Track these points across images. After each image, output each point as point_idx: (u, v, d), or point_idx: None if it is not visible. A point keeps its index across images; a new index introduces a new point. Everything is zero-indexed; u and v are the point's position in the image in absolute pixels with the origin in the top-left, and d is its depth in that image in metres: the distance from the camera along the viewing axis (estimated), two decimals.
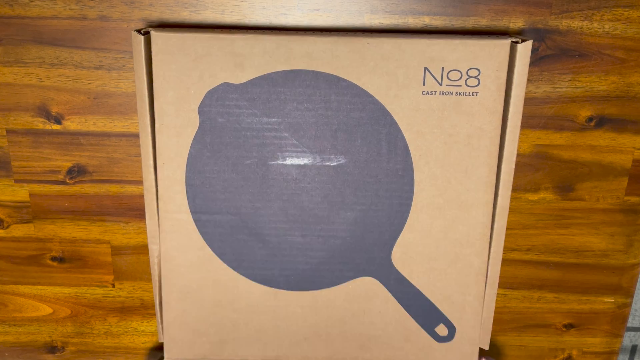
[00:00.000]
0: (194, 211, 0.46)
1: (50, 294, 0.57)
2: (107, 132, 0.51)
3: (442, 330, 0.49)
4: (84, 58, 0.48)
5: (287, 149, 0.45)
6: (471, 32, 0.47)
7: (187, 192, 0.46)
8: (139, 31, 0.43)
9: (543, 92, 0.49)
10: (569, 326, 0.58)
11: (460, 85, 0.43)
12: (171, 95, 0.44)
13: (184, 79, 0.44)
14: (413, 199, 0.46)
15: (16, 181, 0.53)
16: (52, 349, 0.60)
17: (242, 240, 0.47)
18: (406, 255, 0.47)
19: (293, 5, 0.47)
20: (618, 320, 0.58)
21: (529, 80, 0.49)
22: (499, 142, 0.45)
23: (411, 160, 0.45)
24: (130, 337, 0.59)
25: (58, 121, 0.51)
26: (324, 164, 0.46)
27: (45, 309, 0.58)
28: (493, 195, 0.46)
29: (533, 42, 0.47)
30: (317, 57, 0.43)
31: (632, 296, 0.58)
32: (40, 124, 0.51)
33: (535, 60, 0.48)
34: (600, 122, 0.50)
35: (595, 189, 0.52)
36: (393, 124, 0.45)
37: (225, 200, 0.46)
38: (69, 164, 0.52)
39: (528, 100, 0.49)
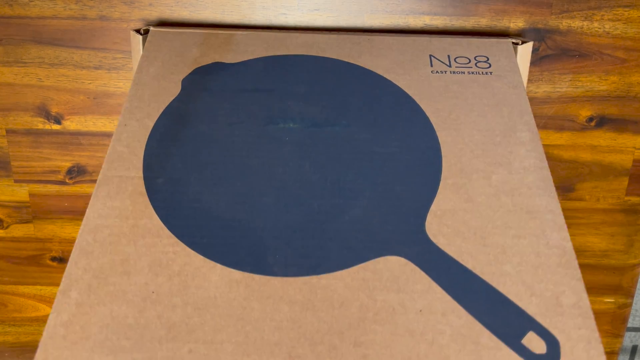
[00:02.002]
0: (147, 176, 0.35)
1: (50, 294, 0.57)
2: (107, 132, 0.51)
3: (534, 343, 0.29)
4: (84, 58, 0.48)
5: (282, 113, 0.38)
6: (471, 33, 0.47)
7: (144, 154, 0.36)
8: (138, 31, 0.43)
9: (543, 92, 0.49)
10: None
11: (471, 67, 0.41)
12: (154, 69, 0.41)
13: (172, 58, 0.41)
14: (442, 163, 0.36)
15: (16, 181, 0.53)
16: None
17: (200, 209, 0.34)
18: (447, 228, 0.33)
19: (293, 5, 0.47)
20: (618, 321, 0.58)
21: (529, 80, 0.49)
22: (531, 112, 0.39)
23: (430, 123, 0.38)
24: None
25: (58, 121, 0.50)
26: (324, 129, 0.38)
27: (45, 309, 0.58)
28: (546, 163, 0.36)
29: (533, 42, 0.47)
30: (318, 46, 0.42)
31: (632, 296, 0.58)
32: (40, 123, 0.51)
33: (536, 60, 0.48)
34: (601, 122, 0.50)
35: (595, 189, 0.52)
36: (404, 95, 0.39)
37: (188, 164, 0.36)
38: (69, 164, 0.52)
39: (528, 100, 0.49)
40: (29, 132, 0.51)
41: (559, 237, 0.33)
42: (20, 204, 0.54)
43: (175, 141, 0.37)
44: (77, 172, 0.52)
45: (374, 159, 0.36)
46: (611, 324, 0.58)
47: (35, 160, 0.52)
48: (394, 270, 0.31)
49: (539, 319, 0.30)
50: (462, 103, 0.39)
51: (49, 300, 0.58)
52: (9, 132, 0.51)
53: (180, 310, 0.29)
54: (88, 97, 0.50)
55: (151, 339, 0.28)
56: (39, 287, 0.57)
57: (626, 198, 0.53)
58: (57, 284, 0.57)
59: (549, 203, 0.34)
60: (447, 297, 0.30)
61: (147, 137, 0.37)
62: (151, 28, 0.43)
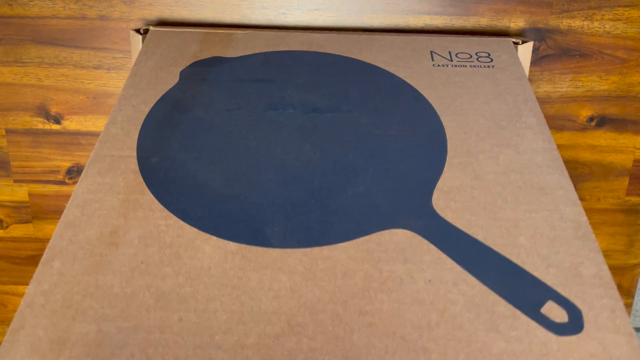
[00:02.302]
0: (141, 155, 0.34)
1: None
2: None
3: (554, 312, 0.26)
4: (84, 58, 0.48)
5: (281, 100, 0.38)
6: (472, 32, 0.47)
7: (139, 136, 0.35)
8: (137, 30, 0.43)
9: (544, 91, 0.49)
10: None
11: (473, 62, 0.41)
12: (152, 62, 0.41)
13: (171, 53, 0.41)
14: (447, 144, 0.35)
15: (15, 181, 0.53)
16: None
17: (195, 185, 0.32)
18: (455, 203, 0.31)
19: (293, 5, 0.47)
20: None
21: (529, 80, 0.49)
22: (536, 100, 0.38)
23: (434, 109, 0.37)
24: None
25: (57, 121, 0.50)
26: (325, 114, 0.37)
27: None
28: (554, 145, 0.35)
29: (534, 41, 0.47)
30: (318, 44, 0.42)
31: (632, 296, 0.58)
32: (40, 123, 0.51)
33: (536, 60, 0.48)
34: (601, 122, 0.50)
35: (595, 189, 0.52)
36: (406, 84, 0.39)
37: (184, 144, 0.35)
38: (68, 164, 0.52)
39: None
40: (29, 132, 0.51)
41: (574, 212, 0.31)
42: (20, 204, 0.54)
43: (171, 125, 0.36)
44: (76, 172, 0.52)
45: (377, 140, 0.35)
46: None
47: (35, 160, 0.52)
48: (400, 242, 0.29)
49: (558, 289, 0.27)
50: (465, 92, 0.38)
51: None
52: (9, 132, 0.51)
53: (171, 280, 0.27)
54: (88, 97, 0.50)
55: (138, 308, 0.26)
56: None
57: (626, 198, 0.53)
58: None
59: (561, 180, 0.33)
60: (458, 268, 0.28)
61: (142, 121, 0.36)
62: (151, 28, 0.43)
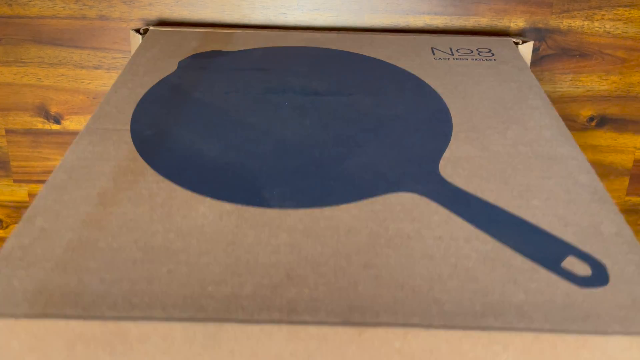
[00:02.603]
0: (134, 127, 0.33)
1: None
2: None
3: (576, 267, 0.24)
4: (83, 58, 0.48)
5: (281, 85, 0.37)
6: (472, 32, 0.47)
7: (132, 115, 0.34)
8: (137, 30, 0.43)
9: (544, 91, 0.49)
10: None
11: (474, 56, 0.41)
12: (151, 54, 0.40)
13: (171, 47, 0.41)
14: (452, 121, 0.34)
15: (15, 181, 0.53)
16: None
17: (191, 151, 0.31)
18: (463, 171, 0.30)
19: (293, 5, 0.47)
20: None
21: None
22: (541, 87, 0.37)
23: (437, 93, 0.36)
24: None
25: (57, 121, 0.50)
26: (327, 97, 0.36)
27: None
28: (563, 123, 0.34)
29: (534, 41, 0.47)
30: (318, 41, 0.42)
31: None
32: (40, 123, 0.51)
33: (536, 59, 0.48)
34: (602, 122, 0.50)
35: None
36: (408, 73, 0.39)
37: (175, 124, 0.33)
38: None
39: None
40: (29, 132, 0.51)
41: (588, 179, 0.29)
42: (20, 204, 0.54)
43: (167, 104, 0.35)
44: None
45: (380, 117, 0.34)
46: None
47: (35, 160, 0.52)
48: (406, 204, 0.28)
49: (578, 246, 0.26)
50: (468, 79, 0.38)
51: None
52: (9, 132, 0.51)
53: (161, 236, 0.25)
54: (87, 97, 0.50)
55: (124, 261, 0.24)
56: None
57: (627, 198, 0.53)
58: None
59: (572, 151, 0.31)
60: (469, 226, 0.27)
61: (137, 101, 0.35)
62: (151, 28, 0.43)
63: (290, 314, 0.22)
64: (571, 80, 0.49)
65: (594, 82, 0.49)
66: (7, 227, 0.55)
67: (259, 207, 0.27)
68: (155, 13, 0.47)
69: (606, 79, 0.48)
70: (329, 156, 0.31)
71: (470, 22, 0.47)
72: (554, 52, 0.48)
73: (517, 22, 0.47)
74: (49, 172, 0.52)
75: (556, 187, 0.29)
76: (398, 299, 0.23)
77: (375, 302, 0.23)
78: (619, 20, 0.47)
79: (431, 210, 0.27)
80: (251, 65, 0.39)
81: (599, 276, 0.24)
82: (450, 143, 0.32)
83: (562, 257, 0.25)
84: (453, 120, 0.34)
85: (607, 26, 0.47)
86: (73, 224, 0.26)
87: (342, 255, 0.25)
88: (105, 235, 0.25)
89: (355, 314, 0.22)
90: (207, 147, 0.31)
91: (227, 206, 0.27)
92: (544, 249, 0.25)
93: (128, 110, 0.34)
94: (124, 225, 0.26)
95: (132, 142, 0.31)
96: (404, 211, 0.27)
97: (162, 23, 0.47)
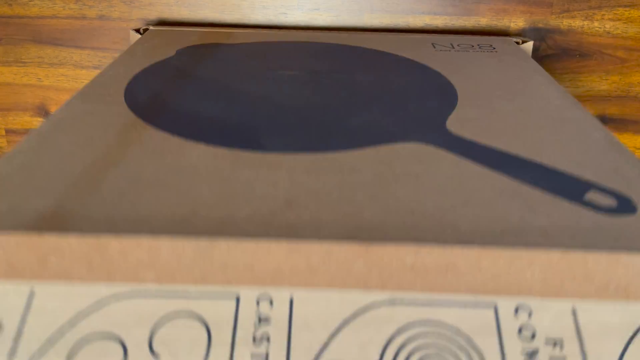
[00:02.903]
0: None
1: None
2: None
3: (600, 200, 0.23)
4: (83, 58, 0.48)
5: (282, 64, 0.37)
6: (472, 32, 0.47)
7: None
8: (137, 30, 0.43)
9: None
10: None
11: (475, 49, 0.41)
12: (149, 44, 0.40)
13: (169, 41, 0.41)
14: (457, 92, 0.33)
15: None
16: None
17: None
18: (472, 128, 0.29)
19: (293, 5, 0.47)
20: None
21: None
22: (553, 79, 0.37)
23: (440, 73, 0.36)
24: None
25: None
26: (328, 74, 0.36)
27: None
28: (570, 95, 0.33)
29: (534, 41, 0.47)
30: (319, 38, 0.43)
31: None
32: (39, 124, 0.51)
33: (536, 59, 0.48)
34: (602, 122, 0.50)
35: None
36: (409, 60, 0.39)
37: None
38: None
39: None
40: (28, 132, 0.51)
41: (603, 134, 0.28)
42: None
43: (163, 76, 0.34)
44: None
45: (383, 88, 0.33)
46: None
47: None
48: (413, 150, 0.27)
49: (600, 181, 0.25)
50: (471, 65, 0.37)
51: None
52: (8, 132, 0.51)
53: (151, 171, 0.24)
54: None
55: (109, 191, 0.23)
56: None
57: None
58: None
59: (583, 115, 0.30)
60: (482, 168, 0.25)
61: (133, 75, 0.34)
62: (150, 27, 0.43)
63: (290, 233, 0.21)
64: (571, 80, 0.49)
65: (593, 82, 0.49)
66: None
67: (257, 152, 0.26)
68: (155, 13, 0.47)
69: (606, 79, 0.48)
70: (332, 115, 0.30)
71: (470, 22, 0.47)
72: (554, 52, 0.48)
73: (517, 22, 0.47)
74: None
75: (570, 140, 0.28)
76: (409, 222, 0.22)
77: (384, 224, 0.21)
78: (619, 20, 0.47)
79: (440, 156, 0.26)
80: (252, 52, 0.39)
81: (625, 206, 0.23)
82: (456, 108, 0.31)
83: (584, 192, 0.24)
84: (459, 92, 0.33)
85: (607, 26, 0.47)
86: (57, 160, 0.25)
87: (346, 188, 0.23)
88: (90, 170, 0.24)
89: (363, 233, 0.21)
90: (204, 107, 0.31)
91: (223, 150, 0.26)
92: (563, 185, 0.24)
93: (123, 81, 0.34)
94: (111, 164, 0.25)
95: (125, 103, 0.31)
96: (411, 156, 0.26)
97: (162, 23, 0.47)
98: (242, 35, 0.43)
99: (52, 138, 0.27)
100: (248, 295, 0.21)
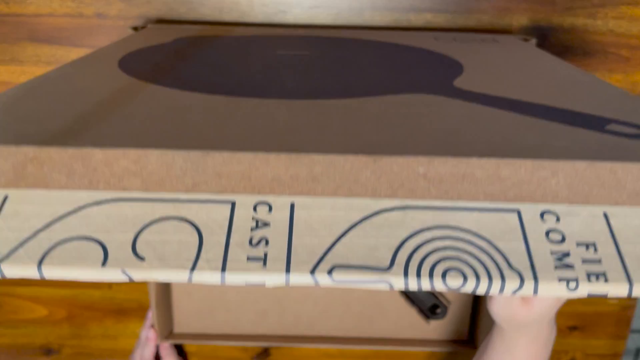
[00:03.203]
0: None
1: (47, 295, 0.57)
2: None
3: (621, 129, 0.24)
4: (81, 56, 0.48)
5: (283, 47, 0.37)
6: (474, 30, 0.47)
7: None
8: (135, 28, 0.42)
9: None
10: (573, 328, 0.57)
11: (478, 41, 0.41)
12: (147, 33, 0.40)
13: (168, 35, 0.40)
14: (464, 67, 0.33)
15: None
16: (48, 351, 0.59)
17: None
18: (480, 86, 0.29)
19: (292, 2, 0.46)
20: (622, 322, 0.57)
21: None
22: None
23: (445, 55, 0.36)
24: (127, 339, 0.59)
25: None
26: (332, 54, 0.35)
27: (41, 311, 0.57)
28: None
29: (537, 39, 0.47)
30: (319, 34, 0.43)
31: (636, 298, 0.57)
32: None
33: None
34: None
35: None
36: (413, 47, 0.38)
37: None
38: None
39: None
40: None
41: (617, 92, 0.28)
42: None
43: (159, 52, 0.34)
44: None
45: (390, 62, 0.33)
46: (615, 326, 0.57)
47: None
48: (421, 99, 0.26)
49: (620, 118, 0.24)
50: (475, 50, 0.37)
51: (45, 302, 0.57)
52: None
53: (142, 111, 0.23)
54: None
55: (97, 119, 0.22)
56: (35, 288, 0.56)
57: None
58: (54, 286, 0.56)
59: (596, 80, 0.30)
60: (496, 110, 0.25)
61: (128, 52, 0.34)
62: (148, 26, 0.42)
63: (291, 148, 0.20)
64: None
65: None
66: None
67: (256, 98, 0.26)
68: (153, 11, 0.46)
69: (609, 78, 0.48)
70: (333, 74, 0.30)
71: (472, 19, 0.47)
72: (557, 50, 0.47)
73: (519, 20, 0.46)
74: None
75: (583, 96, 0.27)
76: (421, 142, 0.21)
77: (393, 142, 0.21)
78: (622, 18, 0.46)
79: (450, 103, 0.25)
80: (252, 40, 0.39)
81: None
82: (462, 74, 0.31)
83: (605, 124, 0.24)
84: (465, 67, 0.33)
85: (610, 24, 0.46)
86: (50, 100, 0.24)
87: (351, 122, 0.23)
88: (82, 106, 0.24)
89: (371, 147, 0.20)
90: (199, 73, 0.30)
91: (220, 97, 0.26)
92: (583, 120, 0.24)
93: (118, 55, 0.33)
94: (104, 103, 0.24)
95: (118, 68, 0.30)
96: (421, 103, 0.25)
97: (160, 21, 0.47)
98: (241, 32, 0.42)
99: (42, 86, 0.26)
100: (244, 201, 0.20)
